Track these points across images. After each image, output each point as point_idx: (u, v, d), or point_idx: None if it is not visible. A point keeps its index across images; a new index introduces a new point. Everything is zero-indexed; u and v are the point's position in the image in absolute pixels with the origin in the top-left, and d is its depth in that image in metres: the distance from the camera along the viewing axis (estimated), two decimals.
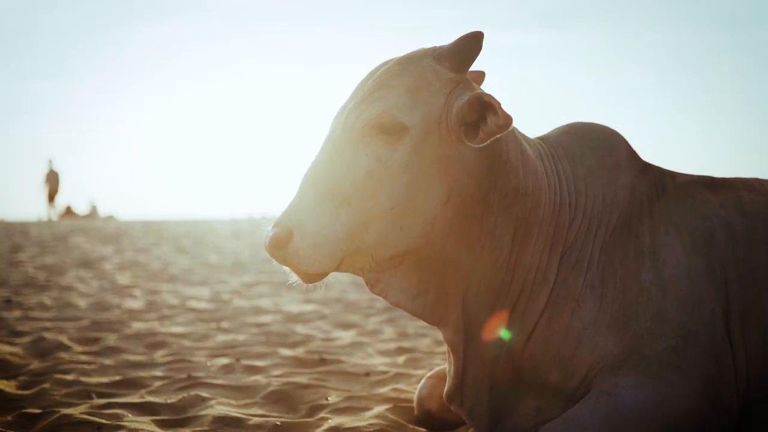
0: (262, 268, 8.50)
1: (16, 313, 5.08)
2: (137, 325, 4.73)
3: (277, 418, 2.69)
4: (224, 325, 4.81)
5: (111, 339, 4.24)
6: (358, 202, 2.07)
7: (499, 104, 2.07)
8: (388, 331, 4.65)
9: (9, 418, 2.69)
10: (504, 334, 2.29)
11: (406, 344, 4.15)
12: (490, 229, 2.24)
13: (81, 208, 30.29)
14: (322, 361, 3.69)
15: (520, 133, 2.35)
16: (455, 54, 2.16)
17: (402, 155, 2.09)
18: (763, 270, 2.27)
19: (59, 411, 2.68)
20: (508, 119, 2.07)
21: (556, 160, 2.40)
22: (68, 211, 29.50)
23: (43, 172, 24.11)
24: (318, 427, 2.61)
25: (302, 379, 3.27)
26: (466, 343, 2.34)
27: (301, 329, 4.69)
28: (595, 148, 2.44)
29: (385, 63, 2.23)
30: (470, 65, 2.19)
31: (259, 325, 4.81)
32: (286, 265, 2.07)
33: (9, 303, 5.56)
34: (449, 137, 2.14)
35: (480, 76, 2.47)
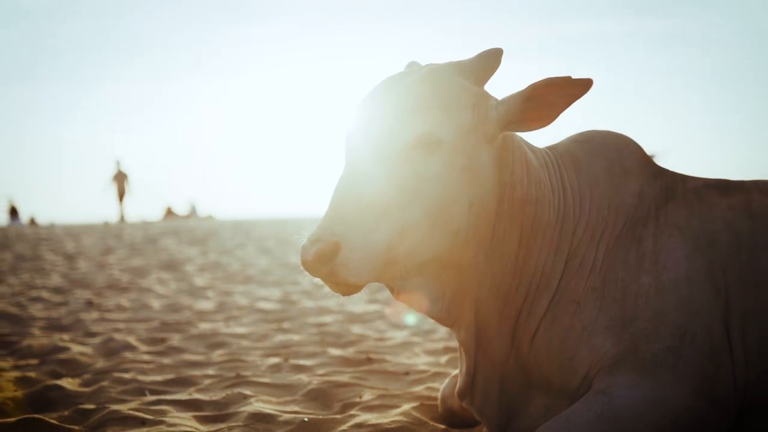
0: None
1: (94, 315, 5.41)
2: (203, 326, 4.99)
3: (307, 415, 2.87)
4: (285, 325, 5.02)
5: (176, 339, 4.50)
6: (396, 212, 2.16)
7: (569, 77, 2.21)
8: (441, 331, 4.78)
9: (66, 413, 2.94)
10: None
11: (453, 344, 4.28)
12: (500, 236, 2.37)
13: (181, 209, 31.35)
14: (368, 361, 3.85)
15: (525, 143, 2.47)
16: (479, 69, 2.31)
17: (436, 167, 2.21)
18: (765, 272, 2.32)
19: (110, 407, 2.92)
20: (587, 83, 2.21)
21: (562, 169, 2.50)
22: (169, 212, 30.53)
23: (111, 173, 23.70)
24: (344, 423, 2.77)
25: (343, 378, 3.44)
26: (477, 344, 2.46)
27: (357, 329, 4.86)
28: (603, 156, 2.53)
29: (405, 75, 2.33)
30: (490, 79, 2.34)
31: (318, 326, 5.00)
32: (332, 279, 2.12)
33: (90, 305, 5.91)
34: (475, 147, 2.27)
35: None
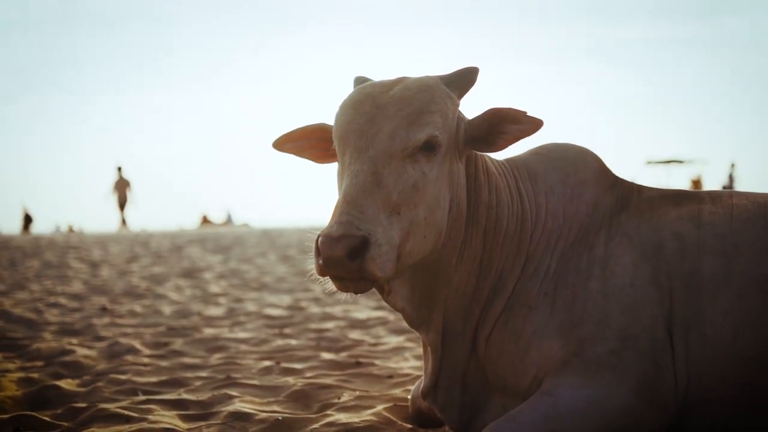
0: None
1: (106, 320, 5.62)
2: (208, 331, 5.16)
3: (283, 414, 3.02)
4: (287, 331, 5.18)
5: (178, 343, 4.68)
6: (405, 211, 2.29)
7: (525, 113, 2.40)
8: None
9: (59, 411, 3.13)
10: None
11: None
12: (468, 239, 2.52)
13: (217, 217, 31.69)
14: (357, 365, 4.00)
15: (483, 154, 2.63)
16: (461, 82, 2.48)
17: (435, 169, 2.36)
18: (707, 279, 2.44)
19: (99, 406, 3.09)
20: (537, 123, 2.40)
21: (518, 179, 2.65)
22: (205, 220, 30.88)
23: (112, 180, 22.37)
24: (317, 422, 2.92)
25: (328, 381, 3.58)
26: (443, 345, 2.60)
27: (355, 335, 5.00)
28: (559, 167, 2.67)
29: (390, 85, 2.45)
30: (466, 94, 2.51)
31: (318, 331, 5.15)
32: (358, 274, 2.16)
33: (104, 310, 6.13)
34: (454, 154, 2.44)
35: None
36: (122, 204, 22.22)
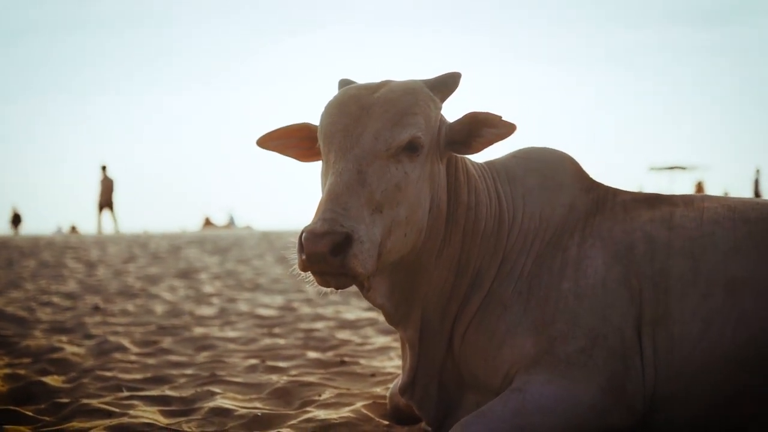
0: None
1: (97, 319, 5.66)
2: (198, 330, 5.20)
3: (263, 410, 3.06)
4: (275, 330, 5.22)
5: (167, 342, 4.72)
6: (387, 209, 2.34)
7: (500, 117, 2.44)
8: None
9: (42, 406, 3.17)
10: None
11: None
12: (448, 239, 2.57)
13: (220, 219, 31.79)
14: (341, 363, 4.04)
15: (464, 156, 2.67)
16: (444, 86, 2.53)
17: (417, 169, 2.41)
18: (676, 279, 2.48)
19: (82, 401, 3.13)
20: (511, 127, 2.45)
21: (497, 181, 2.70)
22: (207, 222, 30.98)
23: (97, 179, 21.37)
24: (295, 418, 2.96)
25: (311, 379, 3.62)
26: (421, 342, 2.64)
27: (342, 335, 5.04)
28: (538, 170, 2.72)
29: (376, 87, 2.50)
30: (448, 98, 2.56)
31: (306, 331, 5.19)
32: (340, 270, 2.21)
33: (96, 309, 6.17)
34: (435, 155, 2.49)
35: None
36: (104, 204, 21.44)
